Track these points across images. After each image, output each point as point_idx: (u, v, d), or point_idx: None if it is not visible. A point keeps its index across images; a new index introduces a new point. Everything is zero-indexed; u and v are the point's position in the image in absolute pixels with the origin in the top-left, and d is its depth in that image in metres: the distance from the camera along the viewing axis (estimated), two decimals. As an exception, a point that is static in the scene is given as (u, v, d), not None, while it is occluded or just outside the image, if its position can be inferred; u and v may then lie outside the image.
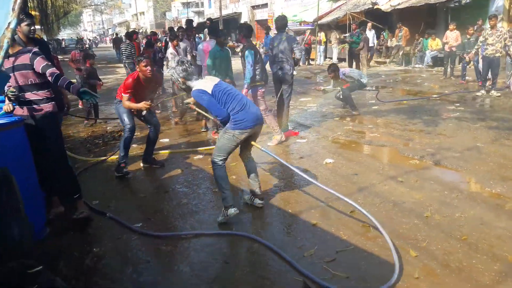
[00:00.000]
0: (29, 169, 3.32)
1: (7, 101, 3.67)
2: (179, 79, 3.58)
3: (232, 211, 3.50)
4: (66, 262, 3.09)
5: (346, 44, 17.29)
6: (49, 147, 3.53)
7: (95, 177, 5.00)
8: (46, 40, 20.09)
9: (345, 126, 6.89)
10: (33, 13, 22.54)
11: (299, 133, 6.54)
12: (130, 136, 4.94)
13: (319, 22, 19.26)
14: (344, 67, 8.26)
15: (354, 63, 13.52)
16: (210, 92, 3.44)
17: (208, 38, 6.82)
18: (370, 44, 14.82)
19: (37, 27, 22.82)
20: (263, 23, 27.95)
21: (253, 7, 30.11)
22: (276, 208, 3.87)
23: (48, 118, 3.52)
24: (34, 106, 3.47)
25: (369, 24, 14.61)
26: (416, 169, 4.75)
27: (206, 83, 3.52)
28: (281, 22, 6.14)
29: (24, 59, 3.36)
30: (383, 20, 17.70)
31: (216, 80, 3.63)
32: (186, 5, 41.01)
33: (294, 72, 6.40)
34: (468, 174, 4.55)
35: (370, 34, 14.68)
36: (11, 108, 3.64)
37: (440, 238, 3.17)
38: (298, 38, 17.04)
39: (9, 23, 1.14)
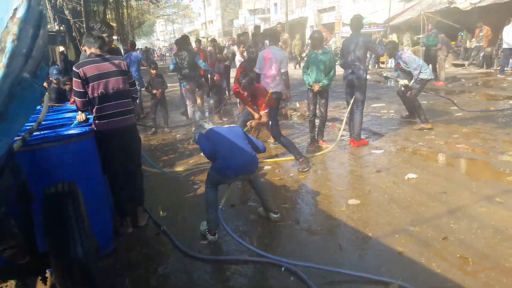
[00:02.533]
0: (98, 182, 3.25)
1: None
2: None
3: (210, 237, 3.43)
4: (131, 280, 2.97)
5: (419, 46, 16.27)
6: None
7: (167, 187, 4.91)
8: (122, 49, 21.21)
9: (426, 135, 6.26)
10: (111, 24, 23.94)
11: (368, 142, 6.06)
12: None
13: (390, 23, 18.33)
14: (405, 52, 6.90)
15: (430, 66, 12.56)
16: (204, 133, 3.59)
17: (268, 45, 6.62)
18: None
19: (114, 37, 24.19)
20: (329, 27, 27.35)
21: (320, 11, 29.56)
22: (352, 230, 3.47)
23: None
24: None
25: None
26: (517, 188, 4.11)
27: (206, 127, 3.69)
28: (357, 22, 5.79)
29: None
30: (460, 20, 16.39)
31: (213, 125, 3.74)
32: (253, 12, 41.42)
33: (368, 77, 5.94)
34: None
35: None
36: (84, 118, 3.63)
37: (562, 278, 2.61)
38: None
39: (15, 9, 0.81)
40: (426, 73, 6.50)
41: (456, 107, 7.74)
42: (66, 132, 3.46)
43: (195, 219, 3.87)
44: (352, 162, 5.32)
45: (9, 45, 0.81)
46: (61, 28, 17.36)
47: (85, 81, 3.30)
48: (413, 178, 4.50)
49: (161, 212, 4.07)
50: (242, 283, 2.87)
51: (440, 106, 8.32)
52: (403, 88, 6.82)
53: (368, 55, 5.92)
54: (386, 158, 5.33)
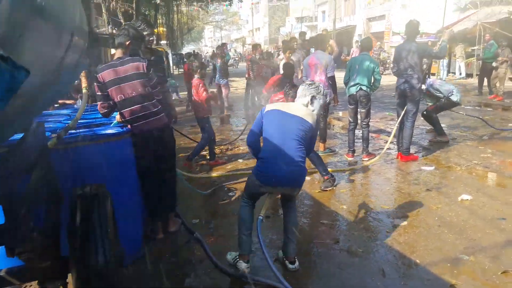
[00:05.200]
0: (132, 184, 3.16)
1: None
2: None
3: (242, 265, 2.89)
4: (157, 290, 2.83)
5: (473, 58, 15.46)
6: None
7: (200, 194, 4.78)
8: (170, 53, 21.70)
9: (481, 153, 5.76)
10: (161, 29, 24.62)
11: (418, 157, 5.67)
12: None
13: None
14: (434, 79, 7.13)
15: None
16: (264, 112, 3.00)
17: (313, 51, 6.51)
18: None
19: (163, 42, 24.77)
20: (378, 36, 26.65)
21: (369, 19, 28.90)
22: (397, 254, 3.14)
23: None
24: None
25: None
26: None
27: (276, 104, 3.15)
28: (412, 29, 5.39)
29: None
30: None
31: (291, 105, 3.06)
32: (300, 19, 41.20)
33: (423, 86, 5.55)
34: None
35: None
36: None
37: None
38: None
39: None
40: (457, 96, 6.46)
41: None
42: (103, 132, 3.41)
43: (229, 228, 3.70)
44: (399, 179, 4.96)
45: None
46: (114, 31, 18.00)
47: (105, 86, 3.23)
48: (467, 199, 4.10)
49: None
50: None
51: (497, 122, 7.72)
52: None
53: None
54: (437, 176, 4.93)
